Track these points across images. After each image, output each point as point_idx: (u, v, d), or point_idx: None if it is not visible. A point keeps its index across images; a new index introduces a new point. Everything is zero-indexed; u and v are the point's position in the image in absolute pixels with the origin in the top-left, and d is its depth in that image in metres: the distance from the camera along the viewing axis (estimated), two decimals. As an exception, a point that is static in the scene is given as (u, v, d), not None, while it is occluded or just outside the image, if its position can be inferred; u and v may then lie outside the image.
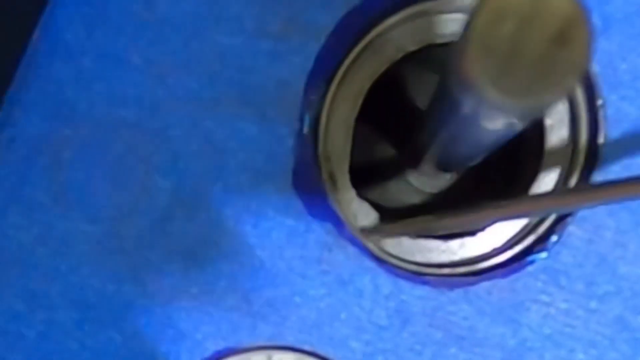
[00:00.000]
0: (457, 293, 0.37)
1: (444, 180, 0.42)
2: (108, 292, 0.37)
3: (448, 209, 0.34)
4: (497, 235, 0.38)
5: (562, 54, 0.20)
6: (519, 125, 0.24)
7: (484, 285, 0.37)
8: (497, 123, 0.23)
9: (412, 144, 0.39)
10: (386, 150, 0.45)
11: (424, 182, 0.43)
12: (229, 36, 0.37)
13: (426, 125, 0.32)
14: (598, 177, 0.37)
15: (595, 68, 0.36)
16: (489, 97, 0.21)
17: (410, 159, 0.41)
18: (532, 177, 0.38)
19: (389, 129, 0.44)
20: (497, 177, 0.41)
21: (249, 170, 0.37)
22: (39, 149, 0.37)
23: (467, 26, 0.20)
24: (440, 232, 0.37)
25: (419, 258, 0.38)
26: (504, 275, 0.37)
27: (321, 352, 0.37)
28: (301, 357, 0.37)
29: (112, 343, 0.37)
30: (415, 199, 0.43)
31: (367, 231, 0.38)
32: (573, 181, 0.37)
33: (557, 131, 0.37)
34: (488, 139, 0.27)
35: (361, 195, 0.38)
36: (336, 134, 0.38)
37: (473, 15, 0.20)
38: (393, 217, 0.38)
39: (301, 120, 0.37)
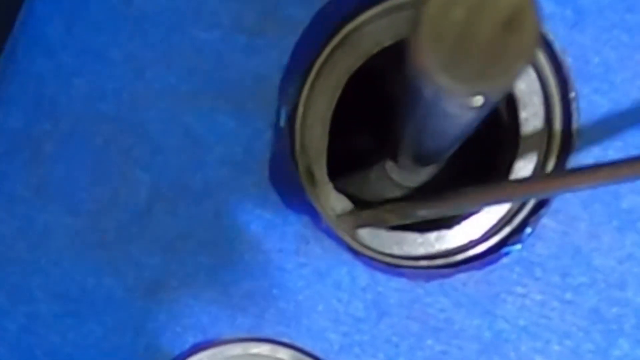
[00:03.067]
0: (434, 285, 0.37)
1: (423, 175, 0.43)
2: (89, 285, 0.38)
3: (426, 197, 0.34)
4: (473, 227, 0.38)
5: (511, 40, 0.20)
6: (478, 110, 0.24)
7: (460, 277, 0.37)
8: (457, 109, 0.24)
9: (389, 138, 0.39)
10: (365, 144, 0.46)
11: (403, 176, 0.43)
12: (206, 31, 0.38)
13: (398, 118, 0.33)
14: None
15: (569, 61, 0.37)
16: (442, 84, 0.21)
17: (389, 152, 0.41)
18: (507, 171, 0.38)
19: (368, 123, 0.45)
20: (474, 171, 0.42)
21: (227, 164, 0.38)
22: (19, 143, 0.38)
23: (418, 13, 0.20)
24: (419, 220, 0.37)
25: (395, 250, 0.38)
26: (480, 267, 0.37)
27: (299, 343, 0.37)
28: (278, 348, 0.37)
29: (93, 336, 0.38)
30: (394, 193, 0.44)
31: (343, 217, 0.38)
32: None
33: (531, 123, 0.38)
34: (453, 127, 0.27)
35: (340, 189, 0.39)
36: (313, 128, 0.38)
37: (424, 2, 0.20)
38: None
39: (278, 114, 0.37)
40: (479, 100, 0.22)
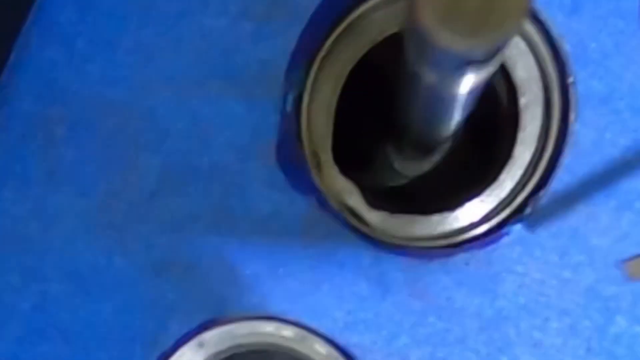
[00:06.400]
0: (436, 264, 0.38)
1: (425, 164, 0.44)
2: (99, 265, 0.39)
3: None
4: (474, 209, 0.39)
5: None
6: (474, 81, 0.25)
7: (462, 256, 0.38)
8: (455, 80, 0.25)
9: (393, 126, 0.40)
10: (369, 132, 0.47)
11: (405, 166, 0.44)
12: (214, 18, 0.39)
13: (401, 104, 0.34)
14: (569, 153, 0.38)
15: (567, 47, 0.38)
16: (440, 39, 0.22)
17: (393, 140, 0.42)
18: (507, 157, 0.39)
19: (372, 111, 0.46)
20: (475, 159, 0.42)
21: (234, 147, 0.39)
22: (32, 128, 0.39)
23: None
24: None
25: (399, 232, 0.39)
26: (481, 247, 0.38)
27: (304, 321, 0.38)
28: (283, 326, 0.38)
29: (104, 314, 0.39)
30: (397, 182, 0.45)
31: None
32: (546, 157, 0.38)
33: (531, 109, 0.39)
34: (451, 106, 0.28)
35: (345, 173, 0.39)
36: (318, 114, 0.39)
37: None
38: (375, 196, 0.39)
39: (284, 99, 0.38)
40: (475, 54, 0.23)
